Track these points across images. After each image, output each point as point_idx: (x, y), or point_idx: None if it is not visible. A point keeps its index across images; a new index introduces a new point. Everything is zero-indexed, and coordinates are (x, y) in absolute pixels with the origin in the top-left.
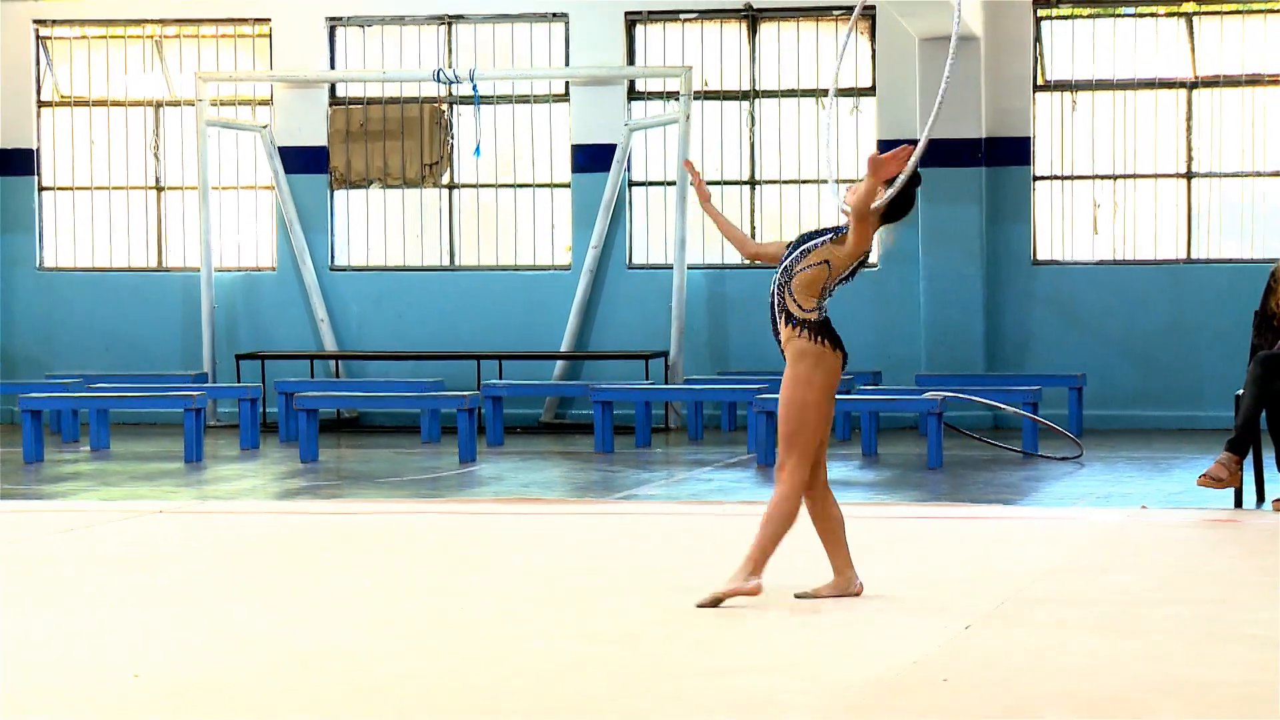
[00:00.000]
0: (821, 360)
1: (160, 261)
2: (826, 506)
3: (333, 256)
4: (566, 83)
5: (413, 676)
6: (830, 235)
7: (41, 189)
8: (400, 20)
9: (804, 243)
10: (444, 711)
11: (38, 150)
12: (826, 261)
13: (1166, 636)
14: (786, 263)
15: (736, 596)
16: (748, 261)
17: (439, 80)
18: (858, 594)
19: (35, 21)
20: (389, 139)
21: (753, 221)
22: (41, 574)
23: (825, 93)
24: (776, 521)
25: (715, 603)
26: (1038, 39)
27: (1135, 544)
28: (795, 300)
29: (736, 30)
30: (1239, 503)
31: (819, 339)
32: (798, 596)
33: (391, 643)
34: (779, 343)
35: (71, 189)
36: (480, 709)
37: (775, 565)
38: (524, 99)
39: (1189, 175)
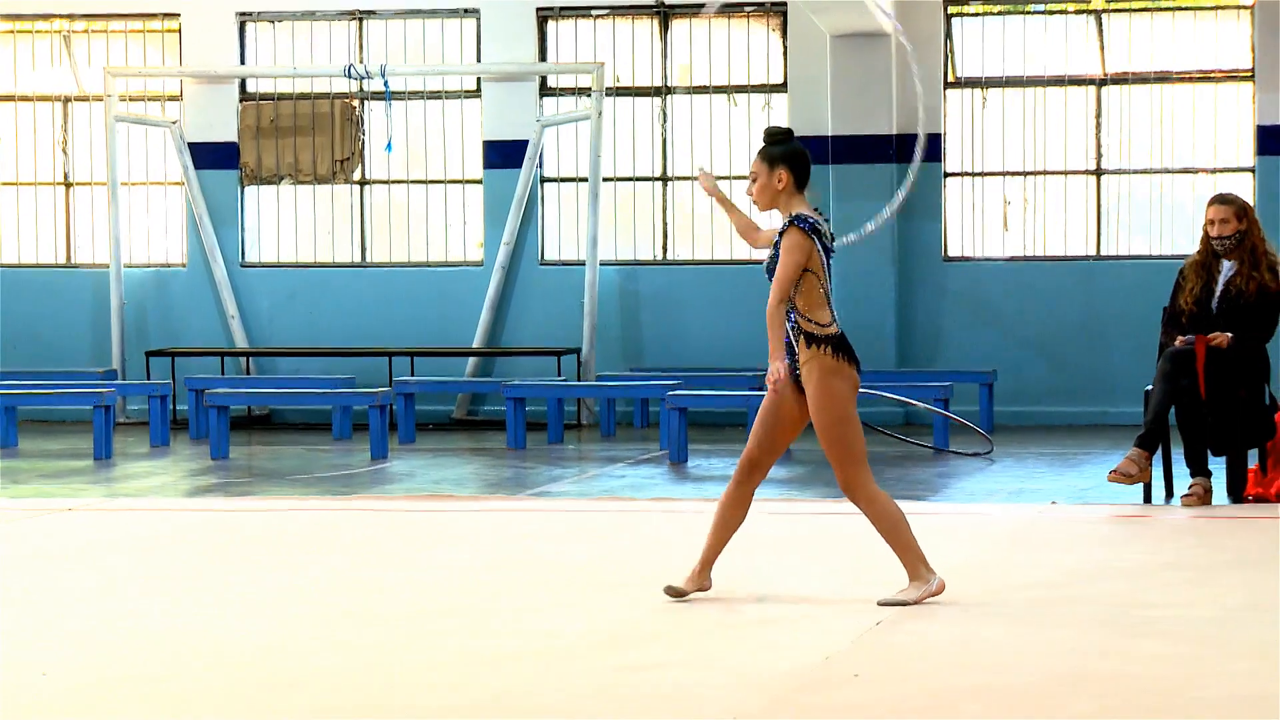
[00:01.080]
0: (843, 374)
1: (69, 258)
2: (740, 506)
3: (244, 252)
4: (478, 79)
5: (323, 671)
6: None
7: None
8: (311, 15)
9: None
10: (354, 707)
11: None
12: (809, 270)
13: (1077, 630)
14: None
15: (930, 599)
16: (659, 259)
17: (350, 76)
18: (706, 589)
19: None
20: (300, 135)
21: (665, 218)
22: None
23: (737, 89)
24: (893, 524)
25: (903, 604)
26: (949, 36)
27: (1046, 539)
28: (810, 320)
29: (648, 26)
30: (1148, 498)
31: (839, 356)
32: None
33: (302, 639)
34: (797, 369)
35: None
36: (392, 705)
37: (695, 562)
38: (435, 95)
39: (1098, 172)
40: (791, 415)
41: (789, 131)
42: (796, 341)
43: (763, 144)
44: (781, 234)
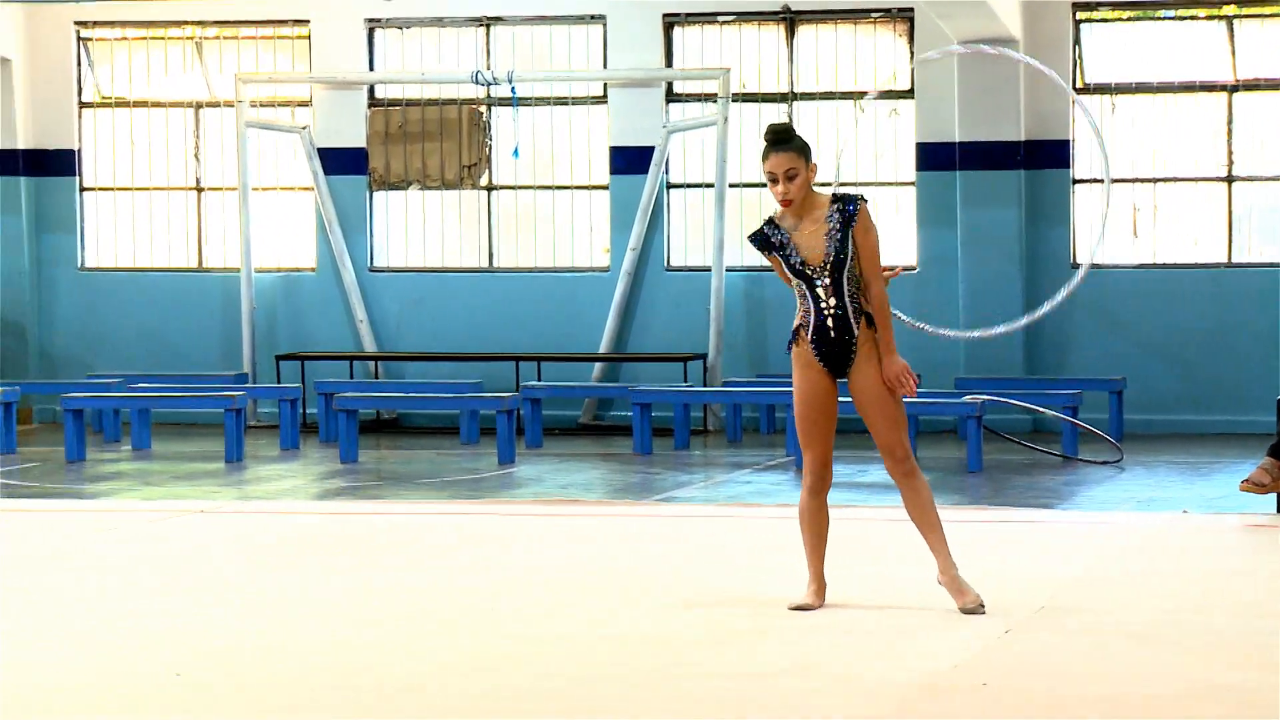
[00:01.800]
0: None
1: (200, 262)
2: (825, 511)
3: (372, 257)
4: (605, 85)
5: (448, 674)
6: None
7: (83, 189)
8: (439, 22)
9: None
10: (477, 711)
11: (79, 151)
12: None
13: (1207, 641)
14: (834, 260)
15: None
16: None
17: (477, 82)
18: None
19: (77, 23)
20: (428, 140)
21: None
22: (82, 573)
23: (863, 94)
24: (931, 503)
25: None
26: (1077, 42)
27: (1176, 549)
28: (862, 298)
29: (774, 32)
30: None
31: (872, 326)
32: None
33: (427, 641)
34: (850, 348)
35: (112, 189)
36: (514, 709)
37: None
38: (562, 101)
39: (1229, 179)
40: (834, 405)
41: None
42: (856, 322)
43: (778, 140)
44: (845, 218)
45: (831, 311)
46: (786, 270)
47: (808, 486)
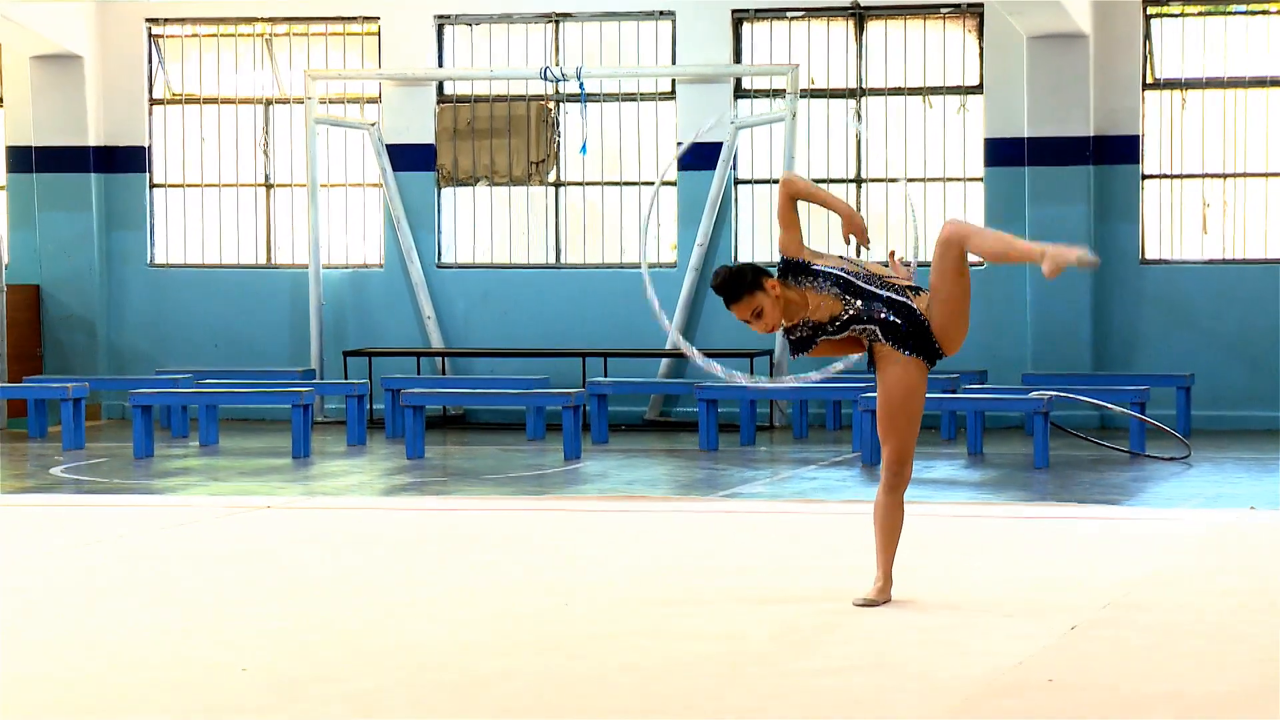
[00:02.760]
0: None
1: (269, 258)
2: (901, 509)
3: (440, 254)
4: (673, 81)
5: (515, 672)
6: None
7: (153, 186)
8: (508, 19)
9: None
10: (549, 707)
11: (149, 148)
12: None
13: (1274, 639)
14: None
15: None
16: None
17: (546, 78)
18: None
19: (148, 20)
20: (496, 137)
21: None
22: (151, 569)
23: (932, 91)
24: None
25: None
26: (1147, 37)
27: (1244, 545)
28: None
29: (843, 28)
30: None
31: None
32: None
33: (496, 638)
34: (875, 348)
35: (182, 186)
36: (585, 706)
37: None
38: (630, 97)
39: None
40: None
41: (725, 270)
42: (898, 314)
43: (723, 296)
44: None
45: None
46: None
47: (885, 483)
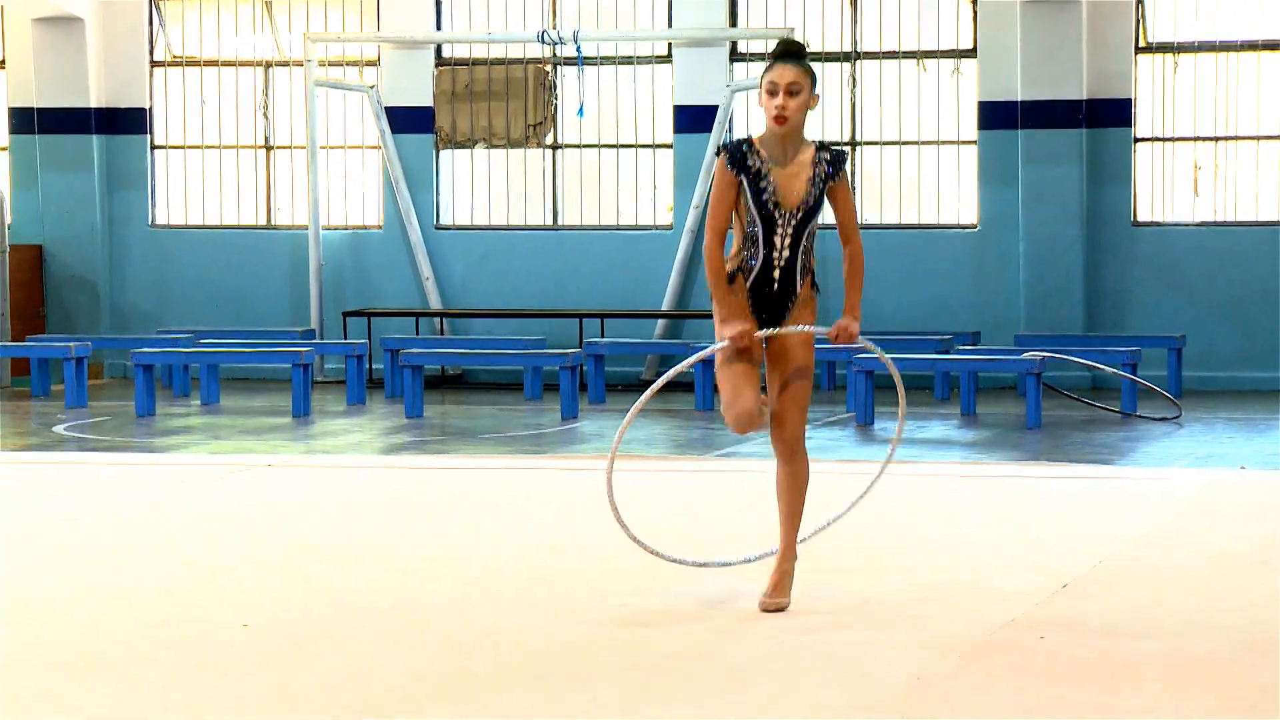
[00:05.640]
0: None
1: (269, 220)
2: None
3: (438, 215)
4: (669, 44)
5: (512, 629)
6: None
7: (154, 148)
8: None
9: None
10: (540, 665)
11: (150, 110)
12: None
13: (1265, 597)
14: (809, 207)
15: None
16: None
17: (543, 41)
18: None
19: None
20: (494, 99)
21: (852, 183)
22: (152, 526)
23: (926, 54)
24: (804, 491)
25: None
26: (1140, 0)
27: (1234, 505)
28: (810, 257)
29: None
30: None
31: (815, 288)
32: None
33: (492, 597)
34: (788, 304)
35: (183, 148)
36: (579, 662)
37: (867, 534)
38: (627, 60)
39: None
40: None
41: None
42: (801, 281)
43: (788, 53)
44: (832, 169)
45: (781, 263)
46: (750, 203)
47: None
